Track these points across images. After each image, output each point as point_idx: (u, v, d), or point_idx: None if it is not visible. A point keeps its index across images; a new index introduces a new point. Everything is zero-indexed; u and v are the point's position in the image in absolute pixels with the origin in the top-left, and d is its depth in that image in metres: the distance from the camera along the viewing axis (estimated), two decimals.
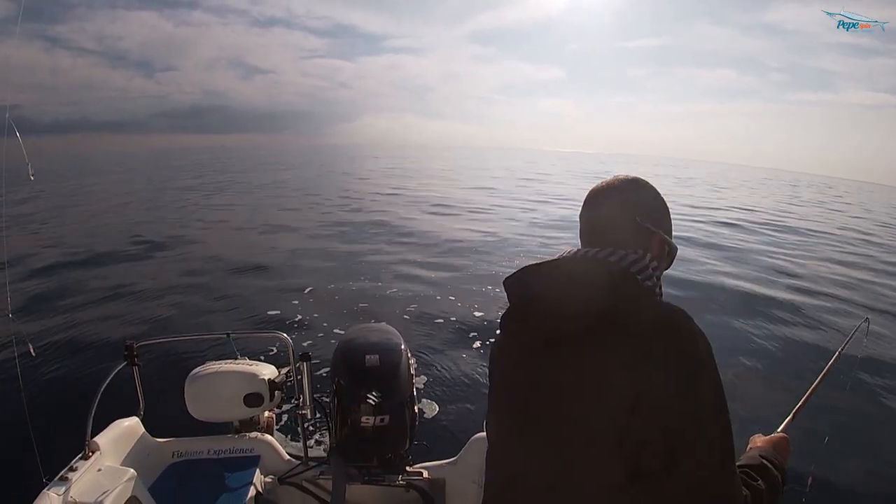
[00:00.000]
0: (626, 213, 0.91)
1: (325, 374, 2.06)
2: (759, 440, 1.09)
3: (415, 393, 1.95)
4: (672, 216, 0.98)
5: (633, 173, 1.01)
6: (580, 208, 0.98)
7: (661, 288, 0.90)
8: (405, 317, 6.11)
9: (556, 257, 0.92)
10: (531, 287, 0.89)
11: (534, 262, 0.92)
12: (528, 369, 0.88)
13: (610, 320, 0.77)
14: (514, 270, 0.93)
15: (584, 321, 0.79)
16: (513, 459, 0.91)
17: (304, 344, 5.00)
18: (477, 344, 5.27)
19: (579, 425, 0.79)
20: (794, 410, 1.36)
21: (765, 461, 0.96)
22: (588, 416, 0.78)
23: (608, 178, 0.97)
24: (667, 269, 0.94)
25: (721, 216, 17.37)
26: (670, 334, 0.75)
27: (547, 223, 14.27)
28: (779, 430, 1.19)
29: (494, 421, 0.99)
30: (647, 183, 0.97)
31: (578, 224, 0.98)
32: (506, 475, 0.93)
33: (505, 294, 0.95)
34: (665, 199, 0.98)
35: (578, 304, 0.80)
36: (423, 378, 4.46)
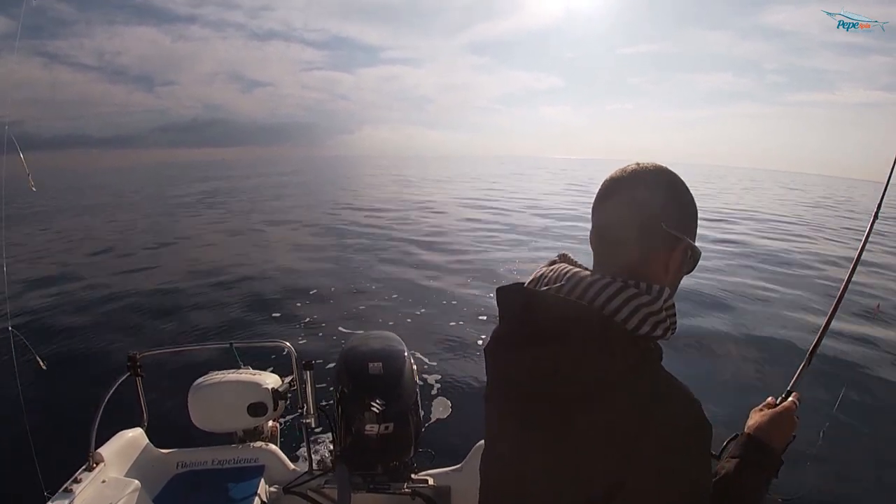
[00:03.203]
0: (649, 217, 0.74)
1: (328, 383, 2.05)
2: (755, 416, 0.96)
3: (419, 400, 1.94)
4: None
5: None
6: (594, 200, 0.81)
7: (673, 328, 0.73)
8: (408, 323, 6.11)
9: (559, 282, 0.75)
10: (521, 318, 0.77)
11: (534, 284, 0.80)
12: (509, 412, 0.81)
13: (600, 393, 0.67)
14: (511, 283, 0.82)
15: (570, 386, 0.69)
16: (494, 474, 0.90)
17: (307, 352, 4.99)
18: (480, 350, 5.25)
19: (547, 488, 0.73)
20: (808, 351, 1.19)
21: (734, 466, 0.86)
22: (558, 489, 0.71)
23: (628, 165, 0.78)
24: (688, 273, 0.80)
25: None
26: (668, 425, 0.65)
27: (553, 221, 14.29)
28: (789, 387, 1.07)
29: (486, 426, 0.94)
30: (674, 174, 0.78)
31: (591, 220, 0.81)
32: (490, 488, 0.92)
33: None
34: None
35: (567, 367, 0.69)
36: (427, 385, 4.45)
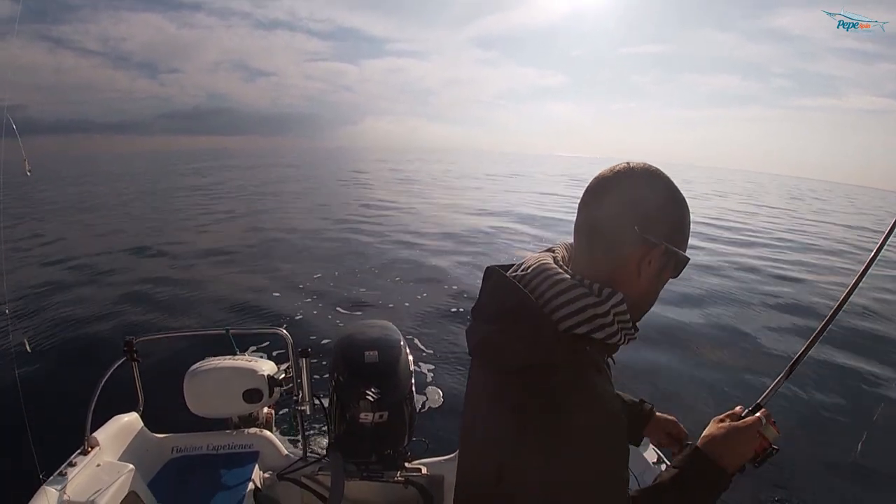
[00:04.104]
0: (624, 218, 0.73)
1: (324, 371, 2.06)
2: (712, 427, 0.89)
3: (413, 389, 1.95)
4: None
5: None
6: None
7: (626, 334, 0.74)
8: (405, 312, 6.12)
9: (527, 270, 0.78)
10: (490, 296, 0.81)
11: (515, 268, 0.82)
12: (474, 380, 0.91)
13: (519, 379, 0.71)
14: (501, 264, 0.85)
15: (503, 364, 0.75)
16: (462, 433, 0.97)
17: (304, 340, 4.99)
18: None
19: (467, 468, 0.91)
20: (789, 363, 1.04)
21: (670, 478, 0.82)
22: (473, 467, 0.87)
23: (617, 165, 0.77)
24: (674, 278, 0.79)
25: None
26: (573, 427, 0.67)
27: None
28: (759, 400, 0.95)
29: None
30: (661, 177, 0.76)
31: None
32: (461, 444, 0.98)
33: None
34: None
35: (502, 348, 0.75)
36: (422, 375, 4.47)
